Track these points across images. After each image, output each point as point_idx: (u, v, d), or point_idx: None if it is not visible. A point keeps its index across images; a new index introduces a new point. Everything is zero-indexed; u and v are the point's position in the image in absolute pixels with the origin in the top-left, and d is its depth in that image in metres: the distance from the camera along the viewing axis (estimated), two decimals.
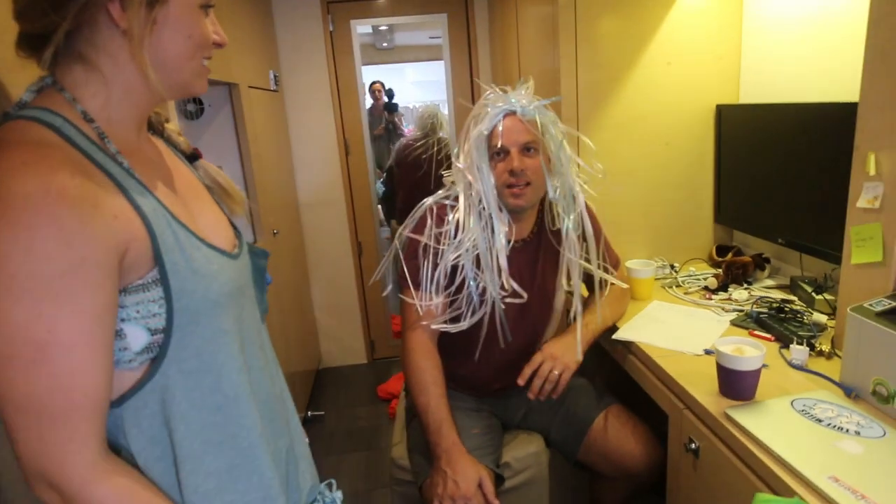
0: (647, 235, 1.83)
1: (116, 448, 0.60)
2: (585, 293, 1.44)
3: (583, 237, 1.29)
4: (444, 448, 1.15)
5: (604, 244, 1.40)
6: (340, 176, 2.83)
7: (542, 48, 1.85)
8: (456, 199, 1.29)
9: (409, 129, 4.45)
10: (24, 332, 0.50)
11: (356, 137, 2.83)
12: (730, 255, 1.74)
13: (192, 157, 0.76)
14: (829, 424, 0.93)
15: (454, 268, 1.26)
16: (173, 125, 0.75)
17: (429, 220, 1.28)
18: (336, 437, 2.44)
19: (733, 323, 1.38)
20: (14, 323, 0.50)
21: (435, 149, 3.58)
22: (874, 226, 1.07)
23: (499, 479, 1.25)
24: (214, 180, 0.77)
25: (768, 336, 1.28)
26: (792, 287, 1.53)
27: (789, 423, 0.95)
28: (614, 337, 1.37)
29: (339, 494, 0.84)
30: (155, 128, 0.72)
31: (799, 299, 1.47)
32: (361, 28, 2.76)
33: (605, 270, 1.35)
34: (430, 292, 1.26)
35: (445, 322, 1.28)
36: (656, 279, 1.69)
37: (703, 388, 1.10)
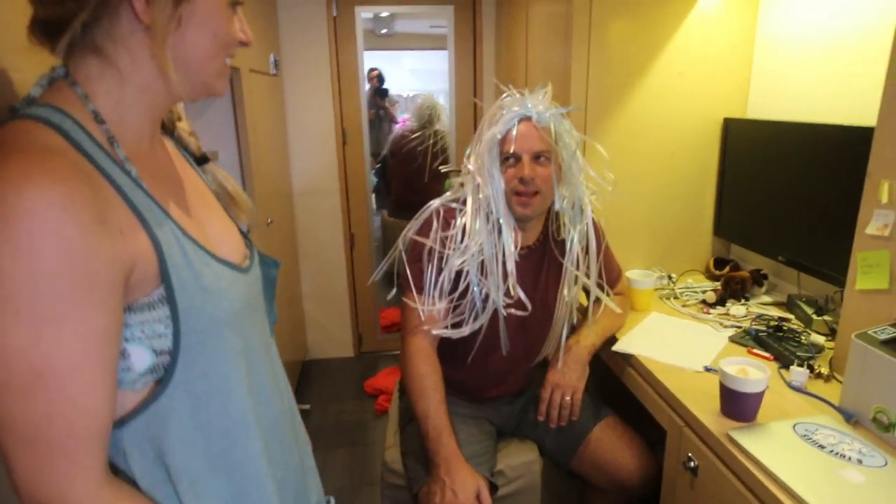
0: (645, 244, 1.82)
1: (115, 471, 0.57)
2: (585, 303, 1.44)
3: (586, 250, 1.29)
4: (444, 456, 1.14)
5: (607, 255, 1.39)
6: (336, 165, 2.78)
7: (553, 47, 1.83)
8: (464, 202, 1.26)
9: (403, 117, 4.41)
10: (21, 356, 0.46)
11: (355, 127, 2.78)
12: (727, 268, 1.75)
13: (202, 159, 0.72)
14: (831, 451, 0.93)
15: (458, 273, 1.24)
16: (185, 124, 0.71)
17: (435, 223, 1.26)
18: (322, 432, 2.41)
19: (732, 339, 1.38)
20: (11, 347, 0.46)
21: (431, 141, 3.54)
22: (882, 253, 1.08)
23: (493, 487, 1.25)
24: (222, 186, 0.73)
25: (767, 355, 1.29)
26: (789, 305, 1.53)
27: (792, 447, 0.95)
28: (614, 349, 1.36)
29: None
30: (165, 126, 0.68)
31: (796, 318, 1.47)
32: (364, 13, 2.70)
33: (607, 284, 1.35)
34: (434, 297, 1.24)
35: (447, 327, 1.26)
36: (654, 290, 1.69)
37: (704, 407, 1.10)
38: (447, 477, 1.12)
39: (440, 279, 1.23)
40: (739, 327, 1.44)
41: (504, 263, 1.23)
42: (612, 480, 1.34)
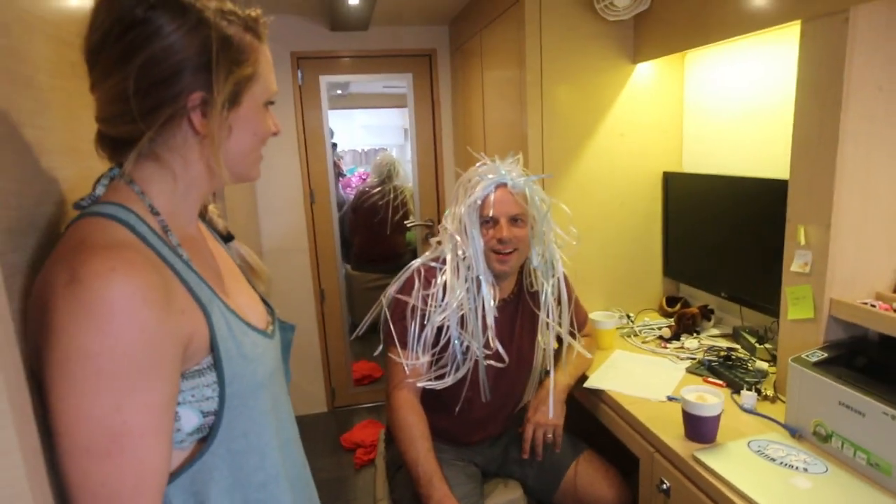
0: (604, 286, 1.99)
1: None
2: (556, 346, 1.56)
3: (558, 301, 1.42)
4: (437, 499, 1.20)
5: (575, 303, 1.53)
6: (304, 223, 2.87)
7: (508, 111, 2.02)
8: (443, 261, 1.37)
9: (361, 171, 4.55)
10: (102, 423, 0.53)
11: (321, 186, 2.88)
12: (678, 305, 1.92)
13: (228, 237, 0.81)
14: (781, 463, 1.07)
15: (440, 327, 1.34)
16: (214, 207, 0.80)
17: (416, 282, 1.36)
18: None
19: (688, 370, 1.53)
20: (94, 416, 0.53)
21: (391, 195, 3.70)
22: (805, 287, 1.26)
23: None
24: (244, 259, 0.82)
25: (720, 382, 1.44)
26: (735, 336, 1.71)
27: (748, 463, 1.08)
28: (586, 385, 1.49)
29: None
30: (199, 210, 0.77)
31: (742, 347, 1.65)
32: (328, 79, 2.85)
33: (577, 330, 1.49)
34: (417, 352, 1.33)
35: (430, 379, 1.35)
36: (616, 329, 1.84)
37: (670, 433, 1.22)
38: None
39: (423, 335, 1.32)
40: (694, 359, 1.60)
41: (483, 317, 1.34)
42: None
